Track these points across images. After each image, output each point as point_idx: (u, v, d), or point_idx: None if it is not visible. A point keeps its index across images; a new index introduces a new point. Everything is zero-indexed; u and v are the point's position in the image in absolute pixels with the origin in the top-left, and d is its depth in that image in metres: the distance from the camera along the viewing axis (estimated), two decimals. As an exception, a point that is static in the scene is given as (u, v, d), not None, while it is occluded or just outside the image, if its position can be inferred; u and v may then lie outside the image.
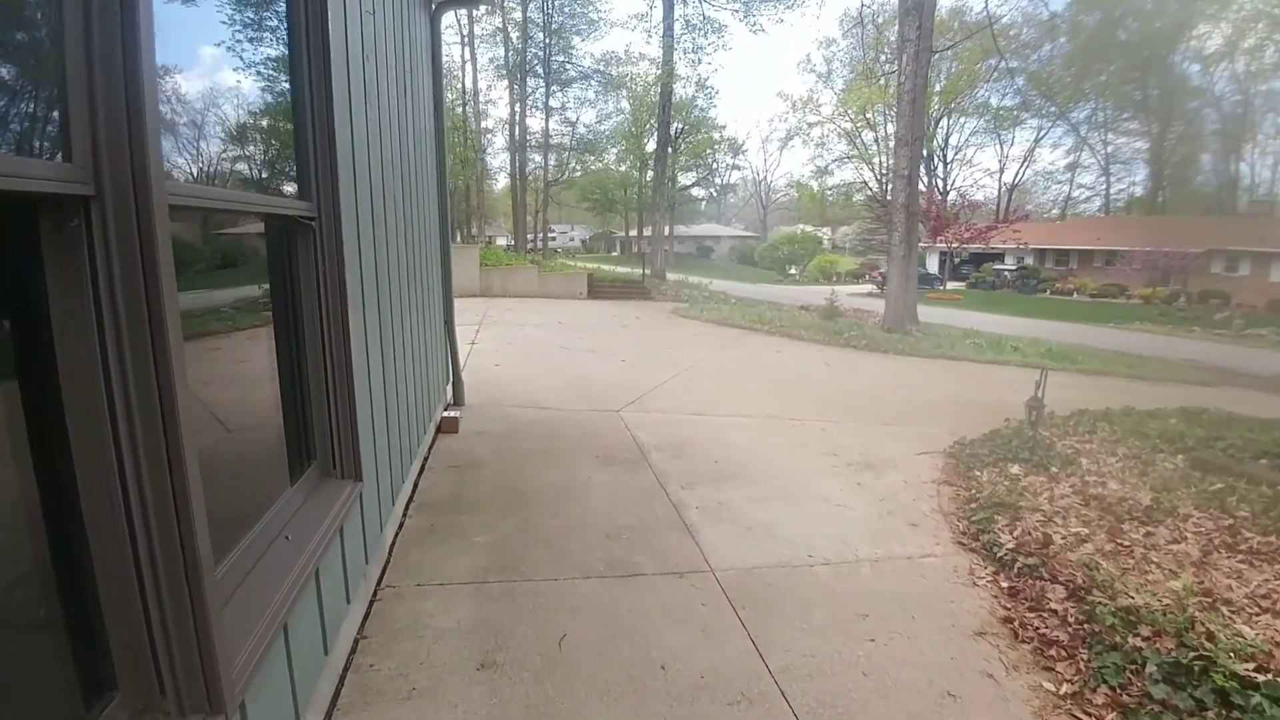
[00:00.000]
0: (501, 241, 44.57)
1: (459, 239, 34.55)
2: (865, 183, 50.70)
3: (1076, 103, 48.69)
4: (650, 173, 35.59)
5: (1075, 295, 34.30)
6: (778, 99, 75.78)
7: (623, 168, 40.09)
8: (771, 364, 9.75)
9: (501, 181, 45.73)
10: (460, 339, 10.44)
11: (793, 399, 7.35)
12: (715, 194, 52.39)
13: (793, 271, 46.16)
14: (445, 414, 5.45)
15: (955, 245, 34.06)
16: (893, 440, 5.88)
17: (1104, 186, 52.51)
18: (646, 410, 6.50)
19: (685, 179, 40.87)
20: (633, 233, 51.22)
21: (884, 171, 49.06)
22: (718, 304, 19.01)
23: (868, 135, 48.72)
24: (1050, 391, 9.68)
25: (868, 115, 46.78)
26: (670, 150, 29.52)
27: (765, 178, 68.91)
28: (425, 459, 4.79)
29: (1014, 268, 38.85)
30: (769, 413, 6.62)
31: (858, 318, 17.21)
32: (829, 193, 57.12)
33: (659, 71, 27.28)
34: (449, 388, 6.30)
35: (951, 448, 5.61)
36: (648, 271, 23.36)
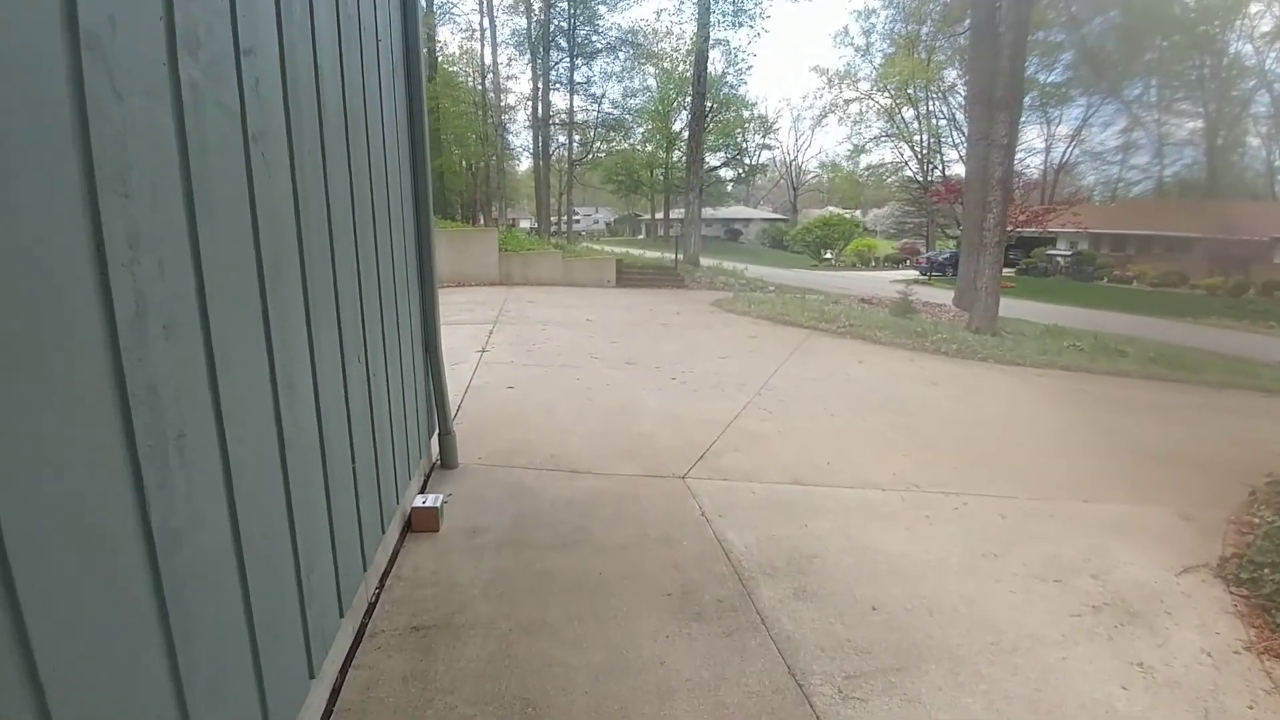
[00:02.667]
0: (525, 224, 42.52)
1: (482, 221, 32.50)
2: (905, 162, 47.73)
3: (1128, 80, 45.19)
4: (677, 152, 33.03)
5: (1135, 284, 31.47)
6: (812, 74, 71.37)
7: (649, 147, 37.80)
8: (861, 382, 7.56)
9: (524, 162, 43.50)
10: (467, 346, 8.35)
11: (922, 447, 5.19)
12: (744, 175, 49.53)
13: (828, 256, 43.52)
14: (419, 501, 3.42)
15: (1010, 229, 31.31)
16: (1118, 538, 3.74)
17: (1157, 169, 48.93)
18: (725, 475, 4.39)
19: (713, 159, 38.42)
20: (658, 215, 48.80)
21: (924, 150, 46.17)
22: (763, 294, 16.79)
23: (908, 112, 45.76)
24: (1193, 415, 7.45)
25: (908, 91, 43.77)
26: (703, 127, 27.05)
27: (796, 158, 65.84)
28: (373, 602, 2.77)
29: (1068, 253, 35.91)
30: (906, 479, 4.48)
31: (929, 312, 14.95)
32: (861, 174, 54.14)
33: (693, 40, 24.83)
34: (434, 441, 4.27)
35: (1228, 562, 3.47)
36: (680, 257, 21.11)
